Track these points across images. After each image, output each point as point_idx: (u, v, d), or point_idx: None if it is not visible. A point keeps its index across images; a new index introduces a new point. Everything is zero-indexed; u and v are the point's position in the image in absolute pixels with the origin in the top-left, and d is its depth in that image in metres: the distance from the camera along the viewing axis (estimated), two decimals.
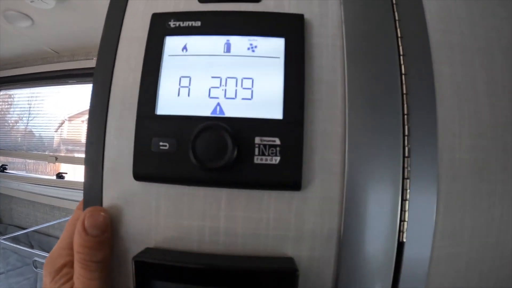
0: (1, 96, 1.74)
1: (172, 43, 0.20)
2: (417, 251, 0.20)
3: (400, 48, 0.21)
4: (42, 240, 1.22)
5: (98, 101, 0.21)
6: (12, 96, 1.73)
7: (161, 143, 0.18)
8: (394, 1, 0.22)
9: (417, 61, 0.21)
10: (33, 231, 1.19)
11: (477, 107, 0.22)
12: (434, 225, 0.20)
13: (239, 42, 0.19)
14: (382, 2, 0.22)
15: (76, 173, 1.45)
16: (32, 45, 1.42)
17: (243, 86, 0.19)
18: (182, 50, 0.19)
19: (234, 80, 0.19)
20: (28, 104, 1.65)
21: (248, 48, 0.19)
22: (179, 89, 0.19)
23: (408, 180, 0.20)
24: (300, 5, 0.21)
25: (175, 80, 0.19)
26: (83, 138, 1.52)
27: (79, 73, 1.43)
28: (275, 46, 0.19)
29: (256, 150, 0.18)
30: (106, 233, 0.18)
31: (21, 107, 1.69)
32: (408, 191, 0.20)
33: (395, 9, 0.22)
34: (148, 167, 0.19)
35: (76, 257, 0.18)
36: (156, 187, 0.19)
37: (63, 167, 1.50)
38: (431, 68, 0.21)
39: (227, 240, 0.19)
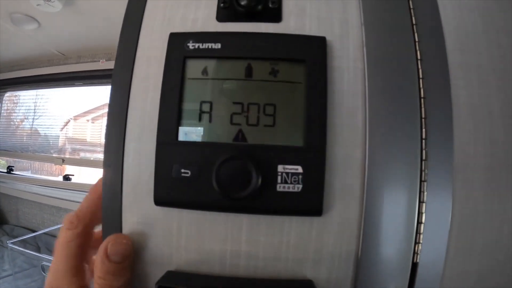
0: (7, 97, 1.74)
1: (192, 66, 0.20)
2: (430, 271, 0.21)
3: (420, 71, 0.22)
4: (49, 242, 1.23)
5: (115, 123, 0.21)
6: (18, 96, 1.72)
7: (182, 170, 0.19)
8: (413, 22, 0.23)
9: (436, 84, 0.22)
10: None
11: (491, 127, 0.23)
12: (446, 245, 0.21)
13: (260, 66, 0.19)
14: (402, 23, 0.22)
15: (82, 175, 1.45)
16: (39, 47, 1.43)
17: (265, 113, 0.19)
18: (202, 73, 0.20)
19: (256, 106, 0.19)
20: (33, 103, 1.65)
21: (270, 73, 0.19)
22: (200, 114, 0.19)
23: (424, 204, 0.21)
24: (321, 25, 0.21)
25: (196, 105, 0.19)
26: (88, 137, 1.52)
27: (86, 76, 1.42)
28: (297, 70, 0.19)
29: (279, 178, 0.18)
30: (128, 259, 0.19)
31: (26, 106, 1.68)
32: (424, 214, 0.21)
33: (415, 30, 0.22)
34: (169, 193, 0.19)
35: (98, 282, 0.18)
36: (177, 212, 0.20)
37: (69, 168, 1.50)
38: (449, 91, 0.22)
39: (248, 263, 0.20)
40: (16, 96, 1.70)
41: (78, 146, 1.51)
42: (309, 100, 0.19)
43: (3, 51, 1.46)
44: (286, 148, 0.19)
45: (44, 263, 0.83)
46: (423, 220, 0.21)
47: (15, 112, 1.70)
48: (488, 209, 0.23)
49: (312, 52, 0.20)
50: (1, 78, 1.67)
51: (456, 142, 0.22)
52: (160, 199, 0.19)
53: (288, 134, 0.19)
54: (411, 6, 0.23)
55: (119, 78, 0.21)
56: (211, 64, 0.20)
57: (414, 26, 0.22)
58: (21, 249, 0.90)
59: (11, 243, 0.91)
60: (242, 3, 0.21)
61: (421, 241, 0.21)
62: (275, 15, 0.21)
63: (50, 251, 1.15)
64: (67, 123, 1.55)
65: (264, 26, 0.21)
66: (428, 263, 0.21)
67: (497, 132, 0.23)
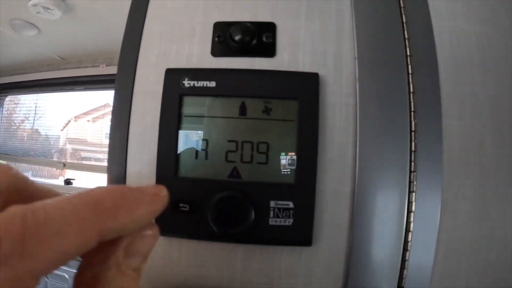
0: (8, 100, 1.76)
1: (188, 103, 0.20)
2: None
3: (412, 104, 0.22)
4: None
5: (116, 156, 0.22)
6: (19, 97, 1.74)
7: (181, 205, 0.20)
8: (408, 53, 0.23)
9: (428, 116, 0.22)
10: None
11: (483, 158, 0.24)
12: (431, 270, 0.23)
13: (254, 105, 0.20)
14: (397, 56, 0.22)
15: (83, 178, 1.48)
16: (39, 53, 1.44)
17: (259, 151, 0.20)
18: (198, 111, 0.20)
19: (250, 144, 0.20)
20: (34, 104, 1.67)
21: (263, 111, 0.20)
22: (197, 152, 0.20)
23: (410, 233, 0.22)
24: (314, 60, 0.22)
25: (193, 142, 0.20)
26: (89, 138, 1.55)
27: (86, 80, 1.43)
28: (290, 108, 0.20)
29: (271, 213, 0.20)
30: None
31: (27, 108, 1.71)
32: (410, 243, 0.22)
33: (408, 62, 0.23)
34: (169, 225, 0.20)
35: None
36: (177, 241, 0.21)
37: (70, 171, 1.54)
38: (440, 123, 0.23)
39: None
40: (17, 97, 1.72)
41: (79, 147, 1.55)
42: (300, 138, 0.20)
43: (4, 56, 1.48)
44: (278, 185, 0.20)
45: None
46: (409, 248, 0.22)
47: (16, 113, 1.73)
48: (475, 236, 0.24)
49: (304, 90, 0.20)
50: (1, 82, 1.70)
51: (445, 174, 0.23)
52: (161, 230, 0.21)
53: (281, 171, 0.20)
54: (406, 36, 0.23)
55: (118, 114, 0.22)
56: (206, 101, 0.21)
57: (408, 58, 0.23)
58: None
59: None
60: (236, 38, 0.21)
61: (406, 267, 0.22)
62: (269, 50, 0.21)
63: None
64: (67, 123, 1.58)
65: (258, 61, 0.21)
66: (414, 286, 0.23)
67: (489, 163, 0.24)
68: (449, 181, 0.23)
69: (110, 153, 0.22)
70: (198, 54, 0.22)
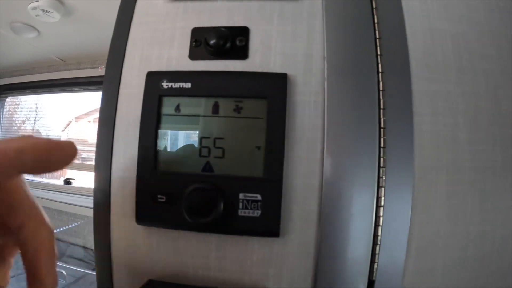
0: (8, 103, 1.86)
1: (167, 103, 0.23)
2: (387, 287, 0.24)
3: (381, 101, 0.23)
4: None
5: (102, 152, 0.24)
6: (20, 98, 1.84)
7: (159, 196, 0.22)
8: (378, 52, 0.24)
9: (398, 114, 0.24)
10: None
11: (456, 155, 0.25)
12: (403, 264, 0.24)
13: (226, 104, 0.22)
14: (366, 55, 0.24)
15: (82, 178, 1.55)
16: (39, 54, 1.51)
17: (230, 146, 0.22)
18: (175, 110, 0.23)
19: (222, 140, 0.22)
20: (35, 104, 1.77)
21: (234, 110, 0.22)
22: (173, 147, 0.22)
23: (380, 227, 0.23)
24: (285, 61, 0.23)
25: (171, 139, 0.22)
26: (89, 138, 1.62)
27: (85, 81, 1.51)
28: (259, 107, 0.22)
29: (240, 204, 0.21)
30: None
31: (28, 108, 1.80)
32: (379, 237, 0.23)
33: (379, 61, 0.24)
34: (149, 215, 0.23)
35: None
36: (157, 230, 0.24)
37: (71, 171, 1.61)
38: (411, 120, 0.24)
39: (217, 275, 0.23)
40: (17, 98, 1.81)
41: (80, 147, 1.62)
42: (268, 134, 0.22)
43: (4, 57, 1.55)
44: (247, 179, 0.21)
45: None
46: (379, 242, 0.23)
47: (16, 114, 1.82)
48: (449, 232, 0.24)
49: (273, 89, 0.22)
50: (2, 84, 1.78)
51: (417, 170, 0.23)
52: (141, 219, 0.23)
53: (250, 166, 0.22)
54: (377, 36, 0.24)
55: (105, 114, 0.24)
56: (182, 101, 0.23)
57: (379, 57, 0.24)
58: None
59: None
60: (211, 42, 0.23)
61: (377, 261, 0.23)
62: (242, 53, 0.23)
63: None
64: (68, 124, 1.66)
65: (232, 63, 0.23)
66: (385, 280, 0.24)
67: (463, 159, 0.24)
68: (421, 177, 0.24)
69: (97, 149, 0.24)
70: (177, 57, 0.24)
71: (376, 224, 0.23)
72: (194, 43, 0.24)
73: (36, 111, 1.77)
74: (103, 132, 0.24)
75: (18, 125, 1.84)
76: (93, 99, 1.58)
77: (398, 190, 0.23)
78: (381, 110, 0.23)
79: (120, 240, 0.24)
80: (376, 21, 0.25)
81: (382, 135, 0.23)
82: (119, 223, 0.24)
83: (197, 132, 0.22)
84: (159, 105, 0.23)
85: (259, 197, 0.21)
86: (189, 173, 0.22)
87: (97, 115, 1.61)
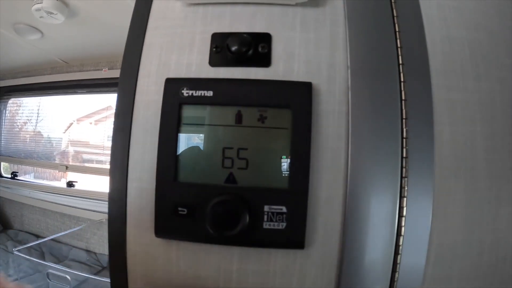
0: (11, 104, 1.82)
1: (187, 112, 0.22)
2: None
3: (404, 111, 0.24)
4: (53, 247, 1.33)
5: (118, 164, 0.24)
6: (21, 99, 1.81)
7: (179, 208, 0.22)
8: (400, 61, 0.24)
9: (419, 123, 0.24)
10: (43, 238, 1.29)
11: (474, 163, 0.25)
12: (423, 273, 0.24)
13: (249, 113, 0.22)
14: (389, 64, 0.24)
15: (84, 180, 1.53)
16: (42, 56, 1.49)
17: (254, 157, 0.22)
18: (197, 119, 0.22)
19: (245, 151, 0.22)
20: (37, 106, 1.74)
21: (258, 119, 0.22)
22: (195, 158, 0.22)
23: (401, 237, 0.24)
24: (309, 69, 0.23)
25: (192, 149, 0.22)
26: (91, 140, 1.60)
27: (88, 84, 1.48)
28: (284, 116, 0.22)
29: (265, 217, 0.21)
30: None
31: (30, 109, 1.78)
32: (401, 247, 0.24)
33: (401, 70, 0.24)
34: (169, 228, 0.22)
35: None
36: (176, 242, 0.23)
37: (72, 174, 1.59)
38: (432, 130, 0.24)
39: None
40: (19, 99, 1.79)
41: (81, 149, 1.60)
42: (293, 145, 0.22)
43: (7, 59, 1.54)
44: (272, 190, 0.21)
45: (50, 270, 0.91)
46: (400, 252, 0.24)
47: (18, 115, 1.80)
48: (466, 239, 0.25)
49: (297, 99, 0.22)
50: (4, 85, 1.77)
51: (437, 179, 0.24)
52: (160, 232, 0.23)
53: (275, 177, 0.22)
54: (399, 45, 0.25)
55: (120, 122, 0.24)
56: (204, 110, 0.22)
57: (401, 66, 0.24)
58: (26, 256, 0.98)
59: (16, 250, 1.00)
60: (233, 48, 0.23)
61: (398, 270, 0.24)
62: (265, 60, 0.23)
63: (53, 256, 1.25)
64: (70, 125, 1.63)
65: (254, 70, 0.23)
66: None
67: (480, 167, 0.25)
68: (440, 186, 0.24)
69: (112, 158, 0.24)
70: (197, 64, 0.24)
71: (398, 234, 0.24)
72: (214, 48, 0.23)
73: (37, 112, 1.74)
74: (118, 140, 0.24)
75: (20, 126, 1.80)
76: (95, 100, 1.56)
77: (420, 200, 0.24)
78: (403, 120, 0.24)
79: (136, 252, 0.24)
80: (397, 29, 0.25)
81: (404, 145, 0.24)
82: (135, 235, 0.24)
83: (220, 142, 0.22)
84: (179, 113, 0.22)
85: (284, 209, 0.21)
86: (212, 185, 0.22)
87: (98, 116, 1.59)
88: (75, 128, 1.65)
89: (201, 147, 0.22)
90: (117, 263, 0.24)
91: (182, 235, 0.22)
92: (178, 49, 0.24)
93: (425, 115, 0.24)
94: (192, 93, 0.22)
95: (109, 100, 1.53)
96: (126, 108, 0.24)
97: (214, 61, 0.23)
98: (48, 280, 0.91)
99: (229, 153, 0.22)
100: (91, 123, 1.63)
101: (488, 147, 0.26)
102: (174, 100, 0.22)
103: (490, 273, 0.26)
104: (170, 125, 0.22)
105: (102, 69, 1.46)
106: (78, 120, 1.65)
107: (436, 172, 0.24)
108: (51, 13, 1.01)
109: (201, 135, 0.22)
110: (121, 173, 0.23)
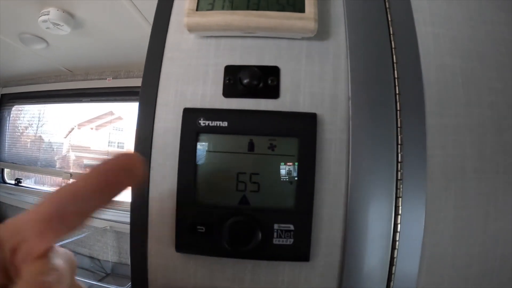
0: (14, 110, 1.89)
1: (204, 140, 0.27)
2: None
3: (399, 138, 0.28)
4: None
5: (139, 186, 0.28)
6: (23, 106, 1.87)
7: (198, 227, 0.27)
8: (397, 91, 0.29)
9: (413, 148, 0.29)
10: None
11: (463, 182, 0.30)
12: (416, 283, 0.29)
13: (261, 142, 0.27)
14: (386, 95, 0.29)
15: None
16: (46, 64, 1.57)
17: (265, 181, 0.26)
18: (213, 147, 0.27)
19: (257, 176, 0.26)
20: (38, 111, 1.79)
21: (269, 147, 0.26)
22: (212, 181, 0.27)
23: (396, 251, 0.29)
24: (313, 100, 0.28)
25: (209, 173, 0.27)
26: (92, 145, 1.65)
27: (92, 92, 1.53)
28: (291, 145, 0.26)
29: (275, 234, 0.26)
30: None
31: (31, 115, 1.83)
32: (396, 259, 0.29)
33: (397, 100, 0.29)
34: (188, 243, 0.27)
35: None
36: (193, 257, 0.28)
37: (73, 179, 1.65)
38: (425, 154, 0.29)
39: None
40: (22, 106, 1.85)
41: (82, 154, 1.66)
42: (300, 170, 0.26)
43: (12, 67, 1.61)
44: (281, 210, 0.26)
45: None
46: (395, 263, 0.29)
47: (19, 120, 1.86)
48: (456, 253, 0.30)
49: (304, 128, 0.27)
50: (9, 92, 1.85)
51: (428, 199, 0.29)
52: (181, 248, 0.27)
53: (283, 198, 0.26)
54: (396, 76, 0.29)
55: (141, 146, 0.28)
56: (219, 139, 0.27)
57: (397, 96, 0.29)
58: None
59: None
60: (245, 81, 0.27)
61: (393, 280, 0.29)
62: (274, 92, 0.28)
63: None
64: (71, 131, 1.69)
65: (264, 102, 0.28)
66: None
67: (469, 186, 0.30)
68: (431, 204, 0.29)
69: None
70: (211, 94, 0.28)
71: (393, 248, 0.29)
72: (227, 80, 0.28)
73: (39, 117, 1.80)
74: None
75: (21, 131, 1.86)
76: (95, 107, 1.62)
77: (412, 218, 0.29)
78: (399, 146, 0.29)
79: (158, 266, 0.29)
80: (395, 61, 0.30)
81: (399, 168, 0.28)
82: (157, 251, 0.28)
83: (234, 167, 0.27)
84: (197, 141, 0.27)
85: (292, 227, 0.26)
86: (228, 206, 0.26)
87: (99, 122, 1.65)
88: (76, 133, 1.71)
89: (217, 172, 0.27)
90: (139, 276, 0.29)
91: (201, 250, 0.27)
92: (193, 80, 0.28)
93: (418, 141, 0.29)
94: (208, 123, 0.27)
95: (110, 106, 1.58)
96: (147, 134, 0.28)
97: (227, 93, 0.28)
98: None
99: (242, 177, 0.26)
100: (92, 129, 1.68)
101: (477, 167, 0.31)
102: (191, 129, 0.27)
103: (479, 282, 0.31)
104: (188, 152, 0.27)
105: (106, 78, 1.51)
106: (79, 125, 1.70)
107: (428, 193, 0.29)
108: (57, 24, 1.06)
109: (217, 161, 0.27)
110: (142, 194, 0.28)
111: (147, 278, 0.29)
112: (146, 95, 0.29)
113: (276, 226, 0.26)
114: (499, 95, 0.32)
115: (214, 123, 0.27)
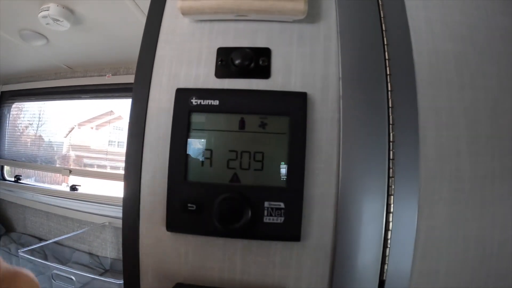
0: (14, 108, 1.96)
1: (196, 119, 0.28)
2: (397, 285, 0.29)
3: (390, 117, 0.29)
4: (56, 250, 1.42)
5: (132, 163, 0.29)
6: (23, 104, 1.92)
7: (189, 205, 0.27)
8: (388, 72, 0.30)
9: (405, 128, 0.29)
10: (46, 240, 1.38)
11: (458, 165, 0.31)
12: (411, 266, 0.30)
13: (251, 120, 0.27)
14: (377, 75, 0.29)
15: (87, 184, 1.62)
16: (46, 61, 1.61)
17: (255, 159, 0.27)
18: (204, 125, 0.28)
19: (248, 154, 0.27)
20: (39, 110, 1.84)
21: (259, 125, 0.27)
22: (203, 160, 0.28)
23: (389, 232, 0.29)
24: (304, 80, 0.29)
25: (200, 152, 0.28)
26: (92, 145, 1.69)
27: (92, 89, 1.58)
28: (282, 123, 0.27)
29: (265, 212, 0.27)
30: None
31: (32, 114, 1.89)
32: (389, 241, 0.29)
33: (388, 80, 0.30)
34: (179, 222, 0.28)
35: None
36: (184, 236, 0.29)
37: (74, 178, 1.68)
38: (417, 134, 0.29)
39: (242, 278, 0.29)
40: (22, 103, 1.91)
41: (82, 153, 1.70)
42: (291, 148, 0.27)
43: (12, 64, 1.66)
44: (271, 188, 0.27)
45: (54, 271, 0.98)
46: (389, 245, 0.29)
47: (20, 119, 1.92)
48: (452, 236, 0.30)
49: (294, 107, 0.27)
50: (8, 90, 1.90)
51: (422, 179, 0.29)
52: (172, 227, 0.28)
53: (274, 177, 0.27)
54: (387, 57, 0.30)
55: (135, 128, 0.29)
56: (211, 117, 0.28)
57: (388, 77, 0.30)
58: (31, 257, 1.05)
59: (22, 252, 1.07)
60: (237, 62, 0.28)
61: (387, 262, 0.29)
62: (265, 72, 0.29)
63: (56, 259, 1.32)
64: (71, 130, 1.74)
65: (256, 82, 0.29)
66: (394, 280, 0.29)
67: (464, 169, 0.31)
68: (426, 186, 0.29)
69: (127, 161, 0.29)
70: (204, 75, 0.29)
71: (386, 229, 0.29)
72: (219, 62, 0.29)
73: (39, 116, 1.85)
74: (132, 145, 0.29)
75: (21, 130, 1.90)
76: (96, 105, 1.67)
77: (406, 198, 0.29)
78: (390, 125, 0.29)
79: (148, 246, 0.29)
80: (386, 42, 0.31)
81: (391, 148, 0.29)
82: (148, 230, 0.29)
83: (225, 145, 0.27)
84: (189, 120, 0.28)
85: (282, 205, 0.27)
86: (218, 184, 0.27)
87: (99, 121, 1.69)
88: (76, 132, 1.75)
89: (208, 150, 0.28)
90: (130, 257, 0.30)
91: (191, 229, 0.28)
92: (187, 62, 0.30)
93: (411, 121, 0.30)
94: (200, 102, 0.28)
95: (110, 105, 1.62)
96: (140, 114, 0.29)
97: (220, 73, 0.29)
98: (53, 280, 0.97)
99: (233, 155, 0.27)
100: (92, 128, 1.72)
101: (472, 150, 0.31)
102: (184, 108, 0.28)
103: (476, 268, 0.31)
104: (180, 130, 0.28)
105: (105, 75, 1.55)
106: (79, 124, 1.74)
107: (421, 172, 0.29)
108: (57, 20, 1.10)
109: (208, 139, 0.28)
110: (135, 173, 0.29)
111: (139, 258, 0.30)
112: (141, 77, 0.30)
113: (266, 204, 0.27)
114: (493, 80, 0.33)
115: (206, 102, 0.28)
